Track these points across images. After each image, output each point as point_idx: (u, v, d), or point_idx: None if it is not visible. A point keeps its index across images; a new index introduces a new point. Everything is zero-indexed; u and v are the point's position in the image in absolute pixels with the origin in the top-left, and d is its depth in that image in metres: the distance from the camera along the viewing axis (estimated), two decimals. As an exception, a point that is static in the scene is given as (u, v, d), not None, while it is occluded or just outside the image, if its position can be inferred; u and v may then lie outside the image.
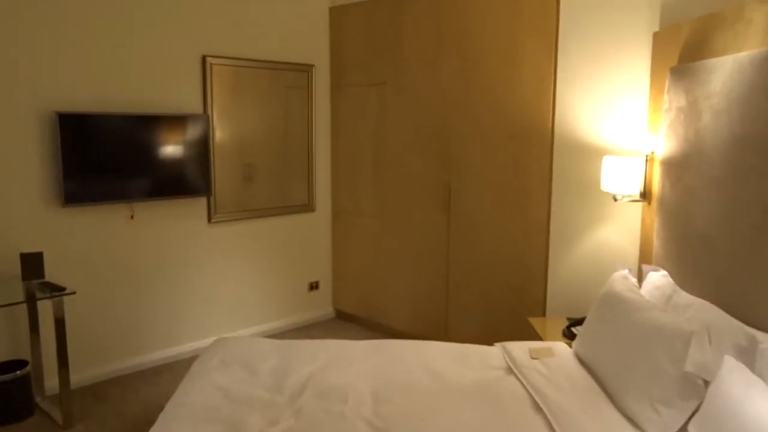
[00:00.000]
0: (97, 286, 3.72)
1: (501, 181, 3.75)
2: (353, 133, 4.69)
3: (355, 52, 4.59)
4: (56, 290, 3.07)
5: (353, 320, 4.94)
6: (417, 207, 4.27)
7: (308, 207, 4.78)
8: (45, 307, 3.45)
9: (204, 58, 4.04)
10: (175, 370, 3.94)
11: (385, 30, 4.34)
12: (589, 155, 3.36)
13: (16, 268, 3.39)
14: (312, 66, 4.65)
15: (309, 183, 4.76)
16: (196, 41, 4.01)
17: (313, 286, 4.92)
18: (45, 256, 3.44)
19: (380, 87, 4.43)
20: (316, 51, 4.69)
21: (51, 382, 3.58)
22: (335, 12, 4.70)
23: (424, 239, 4.24)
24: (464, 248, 4.00)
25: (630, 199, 3.19)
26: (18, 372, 3.24)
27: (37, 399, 3.47)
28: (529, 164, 3.60)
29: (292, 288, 4.78)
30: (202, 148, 4.01)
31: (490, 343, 3.07)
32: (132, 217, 3.82)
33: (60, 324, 3.08)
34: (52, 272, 3.50)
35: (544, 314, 3.60)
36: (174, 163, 3.89)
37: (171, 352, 4.10)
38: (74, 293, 3.06)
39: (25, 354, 3.49)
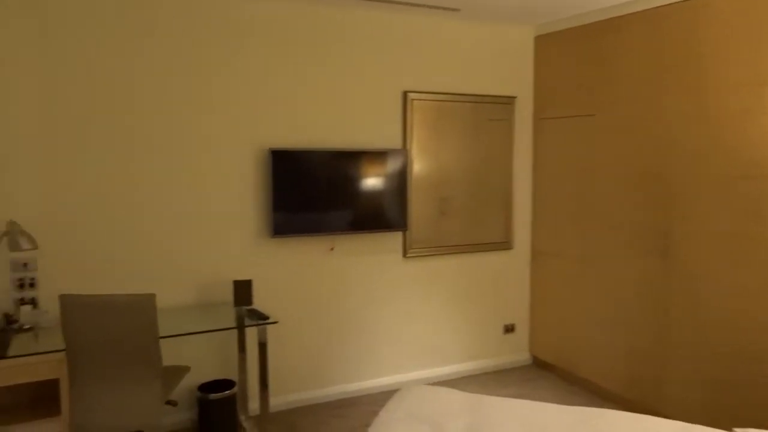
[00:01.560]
0: (297, 314, 3.88)
1: (735, 229, 3.15)
2: (556, 168, 4.36)
3: (560, 82, 4.28)
4: (262, 318, 3.23)
5: (551, 369, 4.54)
6: (627, 253, 3.79)
7: (505, 245, 4.53)
8: (251, 332, 3.67)
9: (405, 94, 4.06)
10: (363, 406, 3.93)
11: (595, 57, 3.97)
12: None
13: (230, 293, 3.66)
14: (514, 98, 4.44)
15: (507, 220, 4.52)
16: (398, 78, 4.05)
17: (509, 329, 4.64)
18: (254, 284, 3.67)
19: (588, 119, 4.06)
20: (519, 82, 4.48)
21: (254, 403, 3.79)
22: (540, 41, 4.45)
23: (636, 290, 3.74)
24: (687, 305, 3.42)
25: None
26: (227, 392, 3.47)
27: (241, 418, 3.68)
28: (777, 208, 2.98)
29: (487, 329, 4.55)
30: (401, 183, 4.01)
31: (719, 422, 2.55)
32: (332, 249, 3.93)
33: (263, 350, 3.23)
34: (259, 299, 3.73)
35: (796, 394, 2.91)
36: (373, 198, 3.93)
37: (360, 386, 4.11)
38: (276, 322, 3.20)
39: (233, 374, 3.73)
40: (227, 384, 3.61)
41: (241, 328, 3.37)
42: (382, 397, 4.06)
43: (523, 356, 4.71)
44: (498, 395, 4.09)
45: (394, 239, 4.14)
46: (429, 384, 4.21)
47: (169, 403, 3.09)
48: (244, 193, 3.66)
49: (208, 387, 3.58)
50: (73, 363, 2.74)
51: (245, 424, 3.66)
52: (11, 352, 2.72)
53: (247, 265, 3.70)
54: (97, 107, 3.28)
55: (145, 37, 3.36)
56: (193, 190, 3.53)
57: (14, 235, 2.97)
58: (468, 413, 2.39)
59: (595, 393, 4.09)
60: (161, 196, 3.46)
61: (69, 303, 2.66)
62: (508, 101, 4.42)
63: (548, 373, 4.51)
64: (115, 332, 2.67)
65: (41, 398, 3.04)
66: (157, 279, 3.47)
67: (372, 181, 3.93)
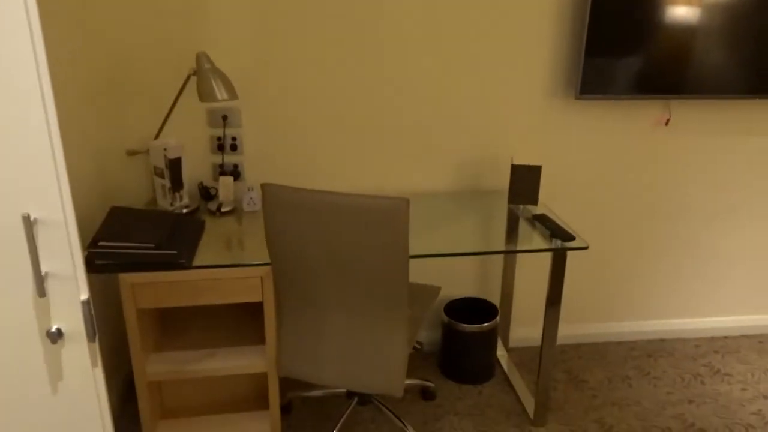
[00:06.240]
0: (599, 220, 2.55)
1: None
2: None
3: None
4: (561, 236, 1.97)
5: None
6: None
7: None
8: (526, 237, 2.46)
9: None
10: (679, 360, 2.62)
11: None
12: None
13: (501, 180, 2.43)
14: None
15: None
16: None
17: None
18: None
19: None
20: None
21: (516, 332, 2.70)
22: None
23: None
24: None
25: None
26: (486, 324, 2.38)
27: (498, 353, 2.63)
28: None
29: None
30: (809, 13, 2.25)
31: None
32: (666, 122, 2.43)
33: (557, 282, 2.01)
34: (543, 194, 2.46)
35: None
36: (750, 40, 2.26)
37: (676, 326, 2.78)
38: (586, 248, 1.92)
39: (486, 290, 2.62)
40: (480, 306, 2.53)
41: (516, 252, 2.14)
42: (707, 347, 2.70)
43: None
44: None
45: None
46: (786, 343, 2.75)
47: (414, 348, 2.08)
48: (537, 26, 2.24)
49: (455, 308, 2.54)
50: (280, 284, 1.78)
51: (503, 359, 2.60)
52: (231, 252, 1.82)
53: (529, 141, 2.39)
54: None
55: None
56: (455, 22, 2.21)
57: (205, 74, 1.96)
58: None
59: None
60: (408, 32, 2.19)
61: (276, 199, 1.62)
62: None
63: None
64: (343, 247, 1.62)
65: (247, 314, 2.22)
66: (398, 153, 2.34)
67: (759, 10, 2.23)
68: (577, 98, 2.26)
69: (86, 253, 1.72)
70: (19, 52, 0.94)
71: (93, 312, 1.12)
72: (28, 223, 1.00)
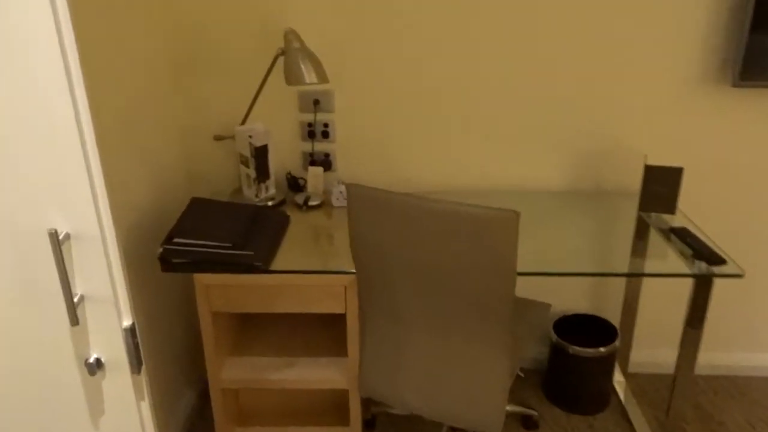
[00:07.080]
0: (742, 231, 2.12)
1: None
2: None
3: None
4: (707, 257, 1.60)
5: None
6: None
7: None
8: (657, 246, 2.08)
9: None
10: None
11: None
12: None
13: (630, 181, 2.07)
14: None
15: None
16: None
17: None
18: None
19: None
20: None
21: (637, 355, 2.34)
22: None
23: None
24: None
25: None
26: (603, 349, 2.05)
27: (615, 378, 2.28)
28: None
29: None
30: None
31: None
32: None
33: (699, 309, 1.65)
34: (683, 202, 2.07)
35: None
36: None
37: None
38: (741, 276, 1.54)
39: (607, 307, 2.26)
40: (595, 324, 2.19)
41: (647, 275, 1.78)
42: None
43: None
44: None
45: None
46: None
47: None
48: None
49: (566, 325, 2.21)
50: (364, 295, 1.56)
51: (620, 387, 2.25)
52: (314, 254, 1.63)
53: (667, 136, 2.00)
54: None
55: None
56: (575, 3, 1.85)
57: (293, 55, 1.76)
58: None
59: None
60: (521, 10, 1.87)
61: (363, 202, 1.40)
62: None
63: None
64: (437, 261, 1.37)
65: (329, 322, 2.03)
66: (502, 144, 2.04)
67: None
68: (735, 85, 1.84)
69: (161, 249, 1.59)
70: (38, 27, 0.76)
71: (138, 340, 0.96)
72: (56, 240, 0.83)
